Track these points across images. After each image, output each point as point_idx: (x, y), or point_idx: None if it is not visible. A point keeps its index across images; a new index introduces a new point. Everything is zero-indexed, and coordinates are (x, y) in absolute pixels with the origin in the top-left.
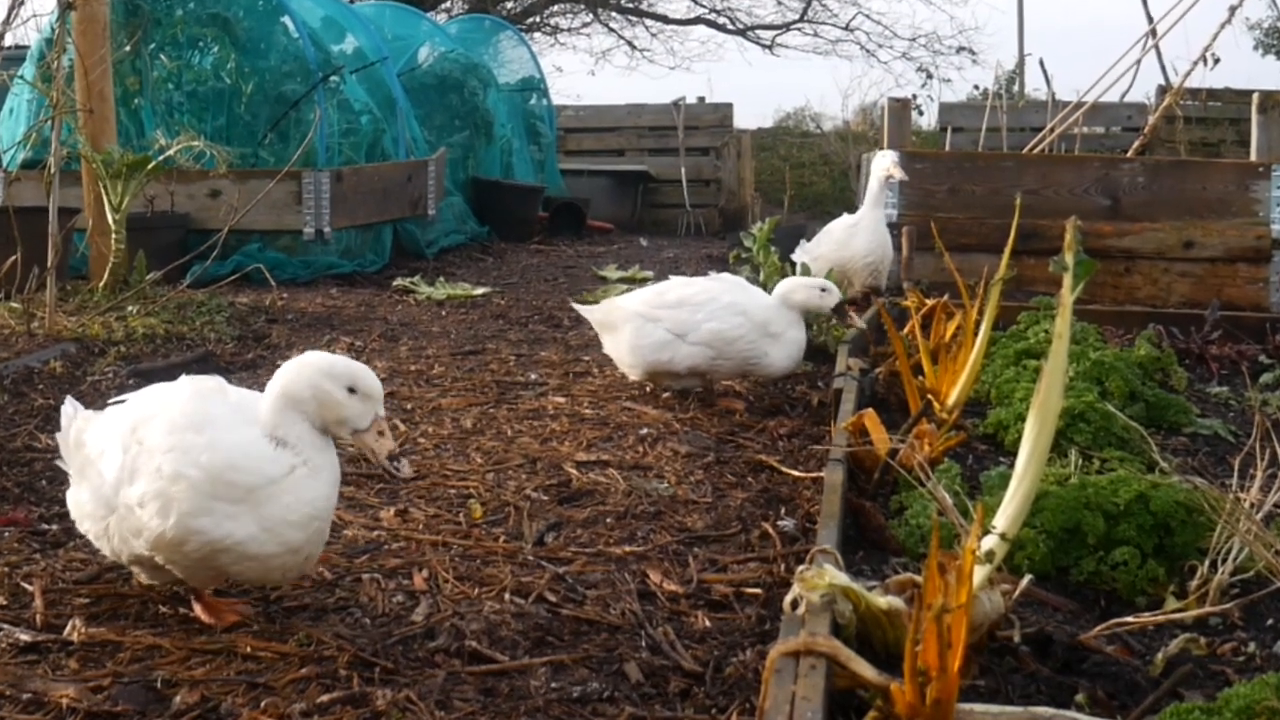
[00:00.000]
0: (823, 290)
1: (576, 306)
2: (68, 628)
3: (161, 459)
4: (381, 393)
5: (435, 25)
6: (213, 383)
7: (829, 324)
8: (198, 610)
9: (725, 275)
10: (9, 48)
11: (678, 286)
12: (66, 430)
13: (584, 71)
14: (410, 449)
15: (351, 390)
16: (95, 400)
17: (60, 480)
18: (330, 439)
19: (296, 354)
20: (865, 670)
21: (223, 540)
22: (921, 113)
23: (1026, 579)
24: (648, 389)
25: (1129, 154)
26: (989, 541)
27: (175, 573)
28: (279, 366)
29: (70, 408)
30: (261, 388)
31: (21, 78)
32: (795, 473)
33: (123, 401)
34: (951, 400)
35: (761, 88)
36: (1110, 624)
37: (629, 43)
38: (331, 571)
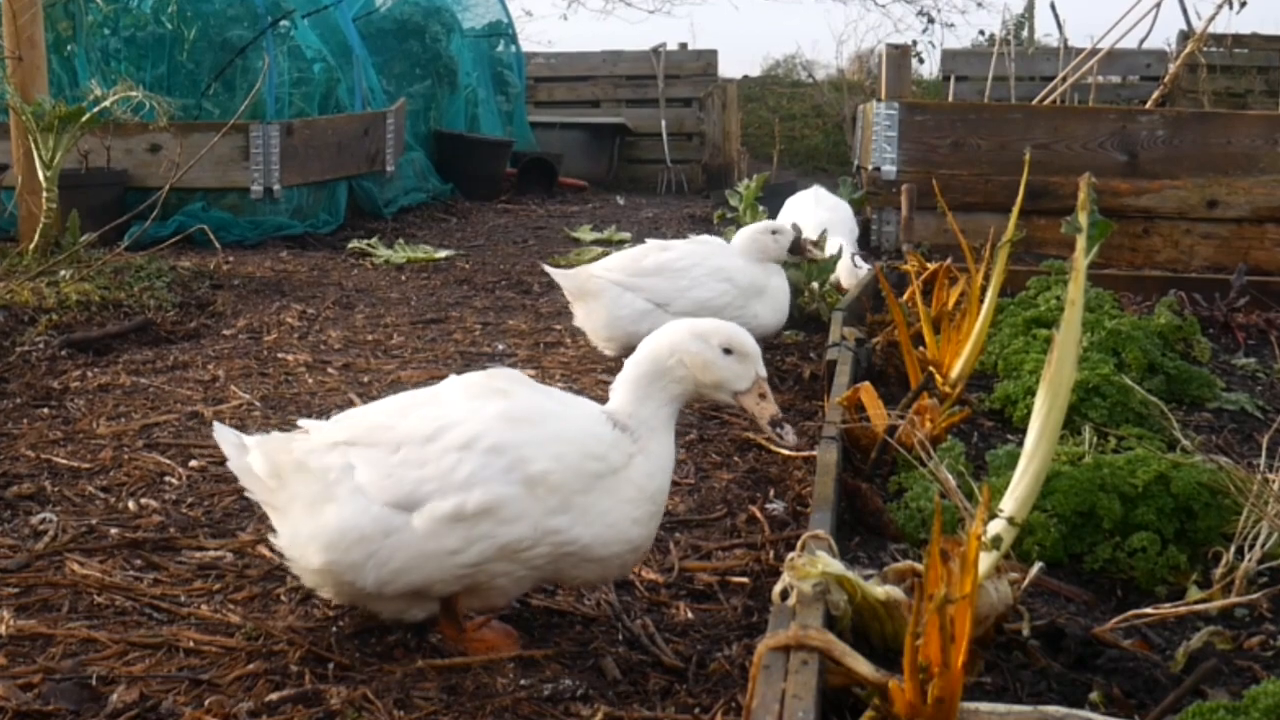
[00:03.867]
0: (774, 233)
1: (549, 269)
2: None
3: (511, 458)
4: (759, 352)
5: None
6: (512, 373)
7: (822, 290)
8: (466, 646)
9: (706, 237)
10: None
11: (655, 251)
12: (248, 461)
13: (556, 15)
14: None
15: (728, 351)
16: (25, 373)
17: None
18: (673, 426)
19: (243, 322)
20: (861, 666)
21: (573, 541)
22: (922, 60)
23: (1036, 567)
24: (624, 361)
25: (1148, 105)
26: (996, 526)
27: (490, 593)
28: (224, 336)
29: (233, 435)
30: (205, 359)
31: None
32: (785, 451)
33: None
34: (955, 373)
35: (748, 33)
36: (1127, 616)
37: None
38: (281, 557)
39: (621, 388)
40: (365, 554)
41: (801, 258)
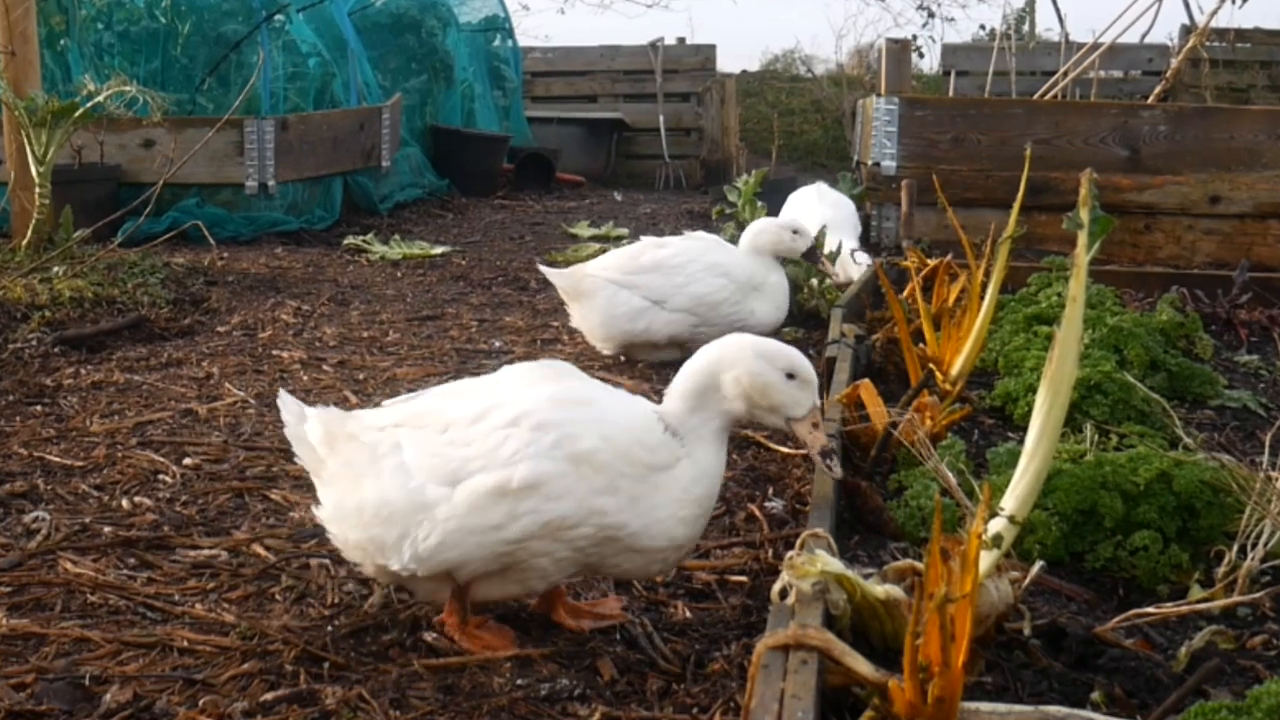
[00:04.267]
0: (794, 232)
1: (544, 269)
2: None
3: (557, 435)
4: (816, 379)
5: None
6: (564, 364)
7: (821, 286)
8: (465, 642)
9: (701, 233)
10: None
11: (651, 248)
12: (305, 429)
13: (553, 10)
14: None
15: (790, 376)
16: (17, 370)
17: None
18: (724, 439)
19: (238, 319)
20: (861, 666)
21: (620, 527)
22: (922, 55)
23: (1037, 566)
24: (622, 359)
25: (1150, 100)
26: (996, 524)
27: (528, 575)
28: (218, 333)
29: (295, 404)
30: (199, 356)
31: None
32: (784, 449)
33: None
34: (955, 370)
35: (747, 28)
36: (1129, 615)
37: None
38: (276, 556)
39: (674, 394)
40: (403, 527)
41: (815, 265)
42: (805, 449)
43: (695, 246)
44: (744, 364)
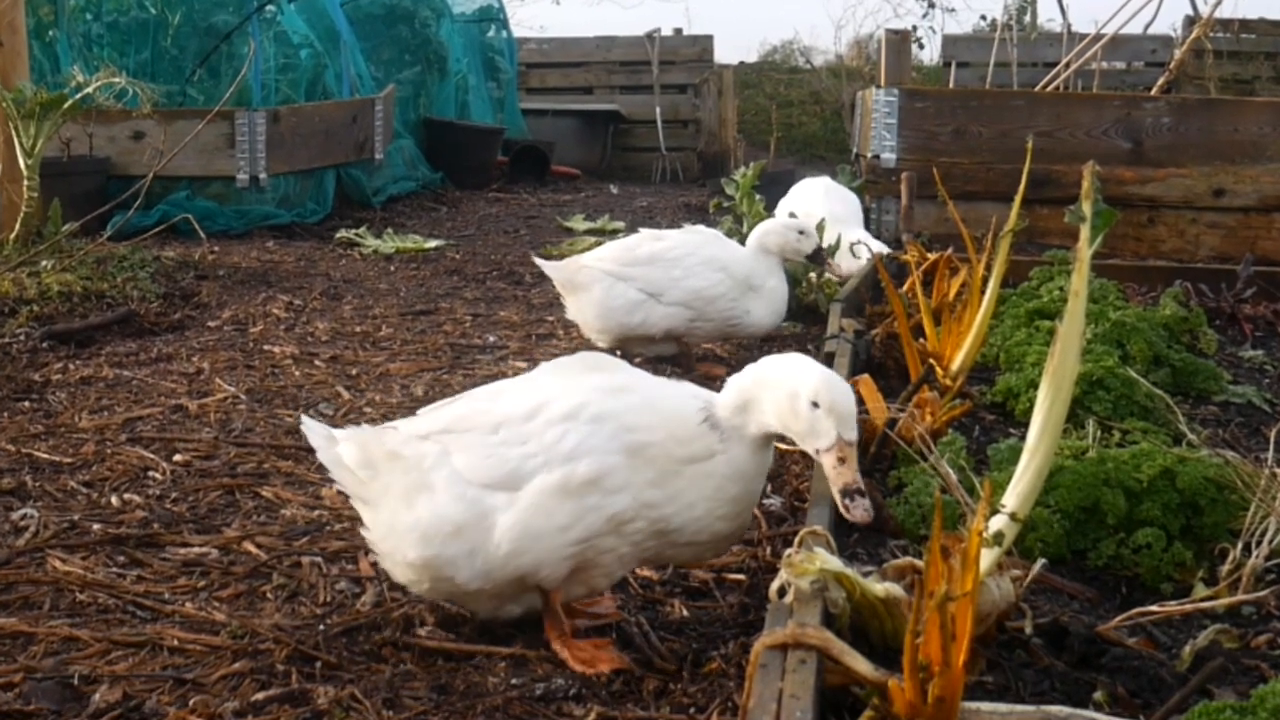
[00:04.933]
0: (800, 233)
1: (538, 261)
2: None
3: (614, 425)
4: (852, 413)
5: None
6: (603, 355)
7: (820, 280)
8: (565, 653)
9: (700, 227)
10: None
11: (649, 241)
12: (339, 451)
13: (548, 0)
14: (354, 417)
15: (815, 404)
16: (5, 365)
17: None
18: (766, 446)
19: (229, 314)
20: (860, 665)
21: (667, 520)
22: (923, 46)
23: (1039, 564)
24: (617, 354)
25: (1153, 92)
26: (998, 522)
27: (594, 573)
28: (209, 328)
29: (321, 428)
30: (189, 351)
31: None
32: (781, 446)
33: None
34: (956, 365)
35: (745, 19)
36: (1132, 613)
37: None
38: (268, 554)
39: (728, 386)
40: (469, 542)
41: (822, 267)
42: (828, 485)
43: (693, 240)
44: (783, 384)
